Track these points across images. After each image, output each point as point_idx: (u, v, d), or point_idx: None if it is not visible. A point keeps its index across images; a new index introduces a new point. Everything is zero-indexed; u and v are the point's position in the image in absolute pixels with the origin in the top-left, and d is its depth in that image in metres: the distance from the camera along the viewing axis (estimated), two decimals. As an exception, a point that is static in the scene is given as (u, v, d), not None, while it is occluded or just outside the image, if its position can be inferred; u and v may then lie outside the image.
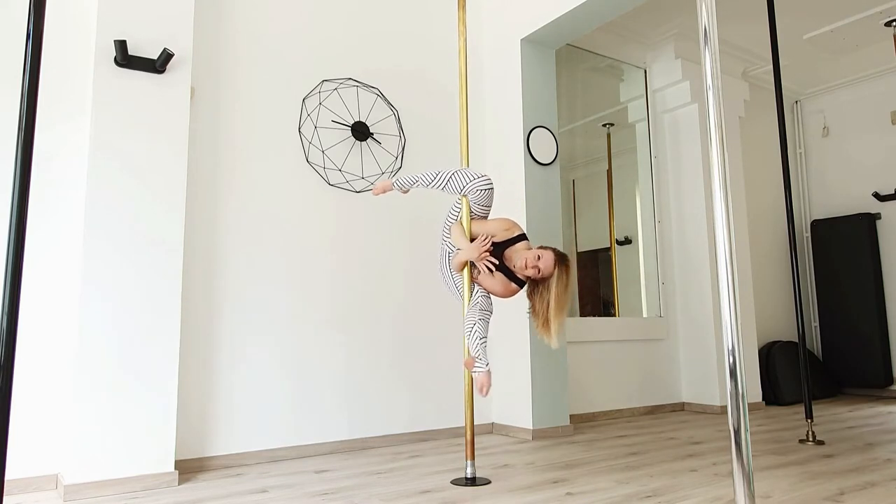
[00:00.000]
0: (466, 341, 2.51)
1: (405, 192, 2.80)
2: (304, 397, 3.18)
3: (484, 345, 2.49)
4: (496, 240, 2.63)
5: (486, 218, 2.71)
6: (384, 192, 2.80)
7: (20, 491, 2.45)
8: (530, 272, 2.51)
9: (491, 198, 2.65)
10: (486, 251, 2.57)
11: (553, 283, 2.48)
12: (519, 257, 2.56)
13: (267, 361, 3.10)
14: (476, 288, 2.63)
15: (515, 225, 2.69)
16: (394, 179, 2.75)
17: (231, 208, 3.11)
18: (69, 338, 2.61)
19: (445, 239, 2.72)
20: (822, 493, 2.31)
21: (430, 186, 2.64)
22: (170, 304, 2.65)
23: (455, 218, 2.70)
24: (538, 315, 2.55)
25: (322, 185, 3.40)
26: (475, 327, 2.50)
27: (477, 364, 2.45)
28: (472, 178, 2.56)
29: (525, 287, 2.65)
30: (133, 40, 2.69)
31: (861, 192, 5.88)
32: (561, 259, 2.53)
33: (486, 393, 2.43)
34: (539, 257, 2.50)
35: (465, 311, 2.59)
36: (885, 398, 5.37)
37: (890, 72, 5.69)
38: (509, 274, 2.61)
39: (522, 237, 2.67)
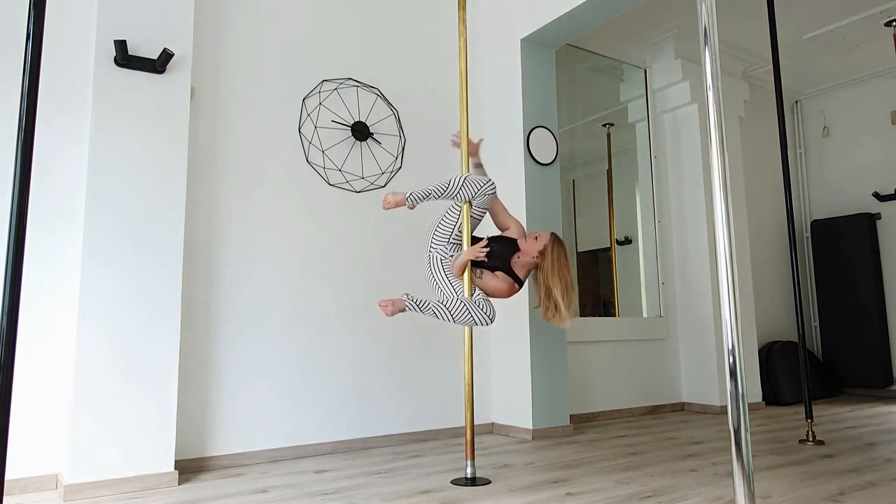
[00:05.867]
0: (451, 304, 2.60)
1: (412, 207, 2.70)
2: (304, 397, 3.18)
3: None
4: (511, 234, 2.80)
5: (480, 219, 2.77)
6: (396, 206, 2.67)
7: (20, 491, 2.45)
8: (529, 242, 2.70)
9: (491, 201, 2.74)
10: (482, 250, 2.66)
11: (549, 252, 2.66)
12: (523, 242, 2.74)
13: (267, 361, 3.10)
14: (476, 291, 2.66)
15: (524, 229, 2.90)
16: (408, 194, 2.65)
17: (231, 208, 3.11)
18: (69, 338, 2.61)
19: (436, 246, 2.72)
20: (822, 493, 2.31)
21: (441, 198, 2.64)
22: (170, 303, 2.65)
23: (452, 222, 2.70)
24: (541, 291, 2.67)
25: (322, 185, 3.40)
26: (456, 299, 2.59)
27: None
28: (481, 185, 2.63)
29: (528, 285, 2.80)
30: (133, 40, 2.69)
31: (861, 192, 5.88)
32: (555, 235, 2.74)
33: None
34: (535, 232, 2.78)
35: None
36: (885, 398, 5.36)
37: (890, 72, 5.69)
38: (511, 274, 2.70)
39: None
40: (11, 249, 1.27)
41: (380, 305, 2.58)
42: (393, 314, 2.57)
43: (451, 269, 2.68)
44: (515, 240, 2.77)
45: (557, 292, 2.61)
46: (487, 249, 2.65)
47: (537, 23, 3.77)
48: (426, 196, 2.64)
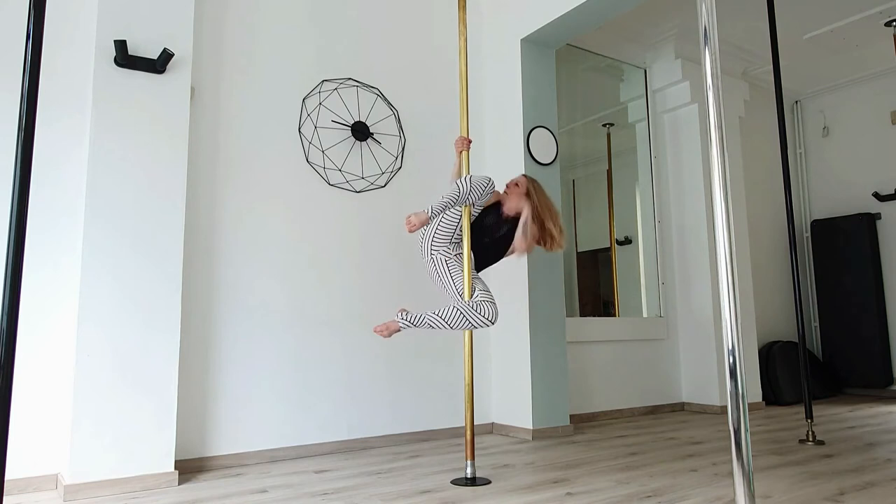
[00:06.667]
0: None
1: (430, 222, 2.71)
2: (304, 397, 3.18)
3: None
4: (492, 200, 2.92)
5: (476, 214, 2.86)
6: (421, 226, 2.64)
7: (20, 491, 2.45)
8: (510, 194, 2.84)
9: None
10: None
11: (532, 192, 2.82)
12: (505, 197, 2.88)
13: (267, 361, 3.10)
14: (476, 292, 2.65)
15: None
16: (429, 212, 2.64)
17: (231, 208, 3.11)
18: (69, 338, 2.61)
19: (437, 248, 2.73)
20: (822, 493, 2.31)
21: (456, 204, 2.67)
22: (170, 303, 2.65)
23: (452, 223, 2.70)
24: (535, 230, 2.78)
25: (322, 185, 3.40)
26: (451, 306, 2.58)
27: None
28: (485, 185, 2.68)
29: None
30: (133, 40, 2.69)
31: (861, 192, 5.88)
32: (526, 175, 2.93)
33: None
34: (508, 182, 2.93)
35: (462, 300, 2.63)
36: (885, 398, 5.36)
37: (890, 72, 5.69)
38: (518, 220, 2.81)
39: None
40: (11, 250, 1.27)
41: (375, 331, 2.60)
42: (390, 336, 2.60)
43: (456, 270, 2.67)
44: (497, 201, 2.88)
45: (550, 223, 2.77)
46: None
47: (537, 23, 3.77)
48: (444, 208, 2.66)
